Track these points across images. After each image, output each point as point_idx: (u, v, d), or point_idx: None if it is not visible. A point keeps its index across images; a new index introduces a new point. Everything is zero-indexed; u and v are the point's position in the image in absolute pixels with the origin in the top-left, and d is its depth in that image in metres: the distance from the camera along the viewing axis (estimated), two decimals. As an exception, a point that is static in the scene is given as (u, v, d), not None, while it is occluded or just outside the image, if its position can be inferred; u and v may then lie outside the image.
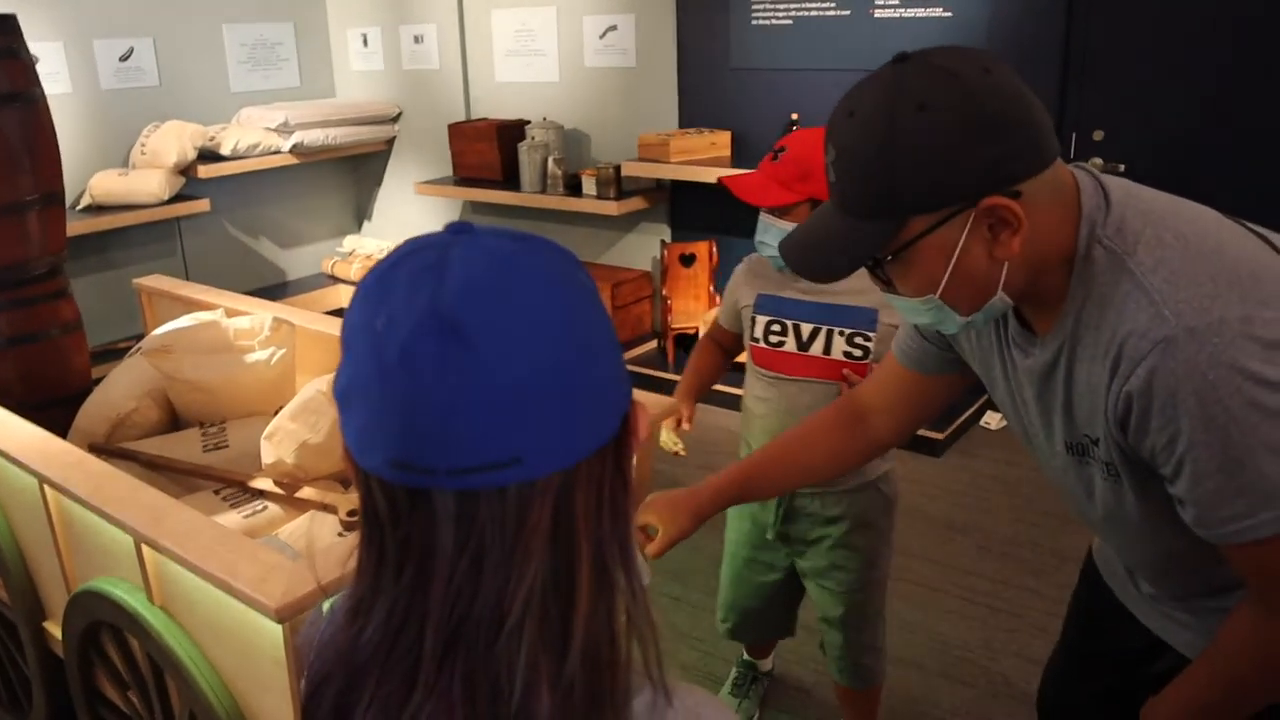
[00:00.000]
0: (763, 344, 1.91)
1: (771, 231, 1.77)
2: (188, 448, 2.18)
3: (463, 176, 5.13)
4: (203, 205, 4.93)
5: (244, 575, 1.40)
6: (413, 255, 0.67)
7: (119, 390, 2.30)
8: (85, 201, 4.65)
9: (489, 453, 0.64)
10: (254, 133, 5.04)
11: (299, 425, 2.00)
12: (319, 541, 1.81)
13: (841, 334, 1.85)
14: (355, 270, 5.66)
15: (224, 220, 5.39)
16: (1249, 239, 1.08)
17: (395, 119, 5.63)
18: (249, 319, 2.35)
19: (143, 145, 4.81)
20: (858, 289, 1.71)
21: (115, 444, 2.22)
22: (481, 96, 5.25)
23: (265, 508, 1.96)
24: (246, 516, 1.92)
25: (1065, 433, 1.18)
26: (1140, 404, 1.03)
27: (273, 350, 2.28)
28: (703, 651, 2.70)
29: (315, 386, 2.06)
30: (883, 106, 1.01)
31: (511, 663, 0.64)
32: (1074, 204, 1.07)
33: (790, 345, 1.89)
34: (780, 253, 1.18)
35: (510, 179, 4.88)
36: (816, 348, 1.86)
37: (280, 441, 1.99)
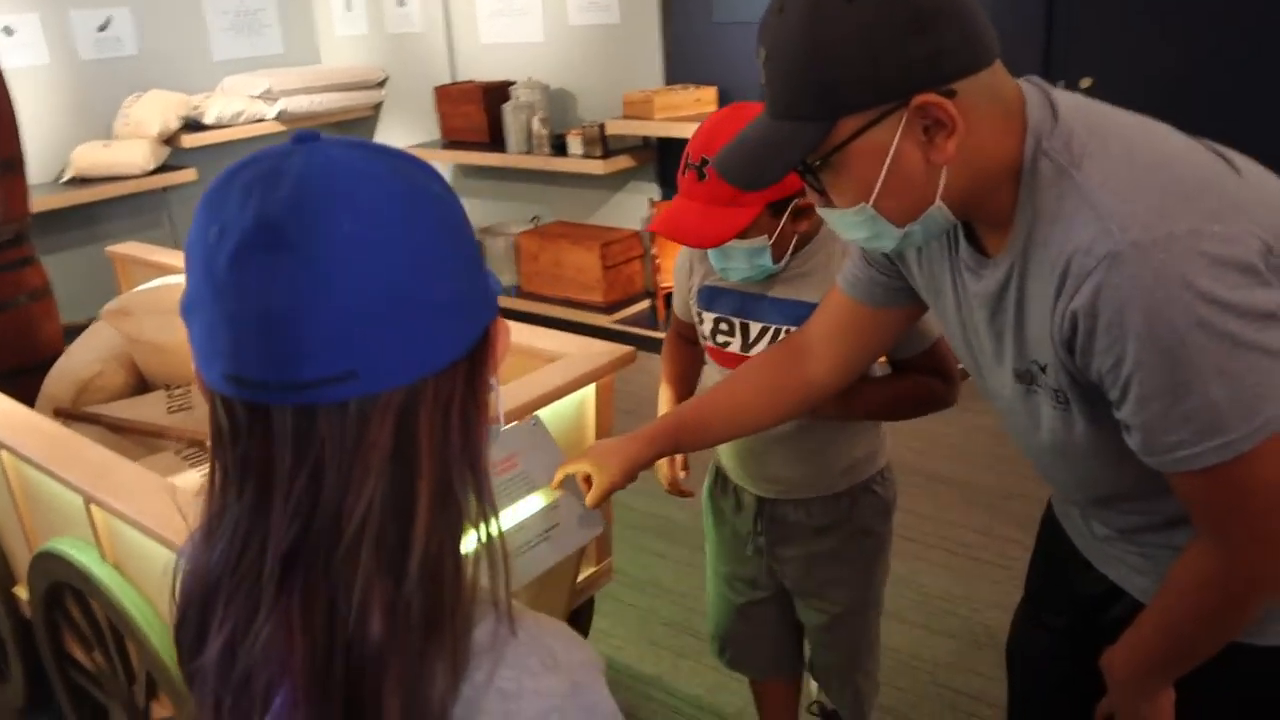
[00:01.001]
0: (710, 343, 1.67)
1: (736, 254, 1.50)
2: (153, 409, 2.16)
3: (450, 140, 5.08)
4: (189, 175, 4.90)
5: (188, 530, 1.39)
6: (250, 165, 0.65)
7: (83, 355, 2.28)
8: (69, 174, 4.62)
9: (320, 367, 0.62)
10: (238, 101, 5.00)
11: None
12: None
13: (789, 332, 1.58)
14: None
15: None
16: (1203, 153, 1.03)
17: (381, 84, 5.57)
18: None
19: (125, 116, 4.78)
20: (806, 274, 1.54)
21: (80, 408, 2.20)
22: (467, 58, 5.18)
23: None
24: (205, 474, 1.91)
25: (1015, 359, 1.14)
26: (1086, 323, 0.99)
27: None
28: (685, 607, 2.69)
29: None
30: (809, 0, 0.97)
31: (348, 583, 0.63)
32: (1019, 115, 1.03)
33: (736, 346, 1.63)
34: (715, 165, 1.11)
35: (497, 141, 4.83)
36: (762, 349, 1.61)
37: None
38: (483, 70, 5.10)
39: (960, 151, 1.00)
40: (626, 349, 1.91)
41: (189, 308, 0.65)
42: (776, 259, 1.51)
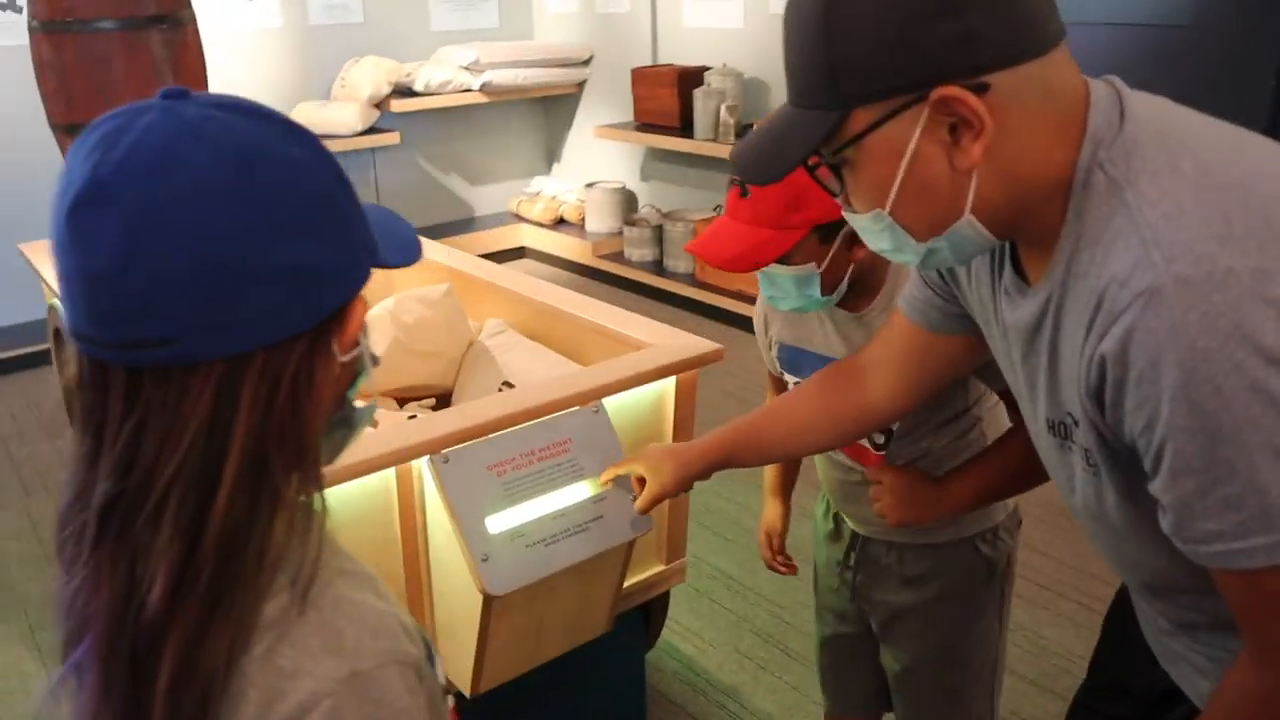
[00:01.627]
0: None
1: (782, 282, 1.36)
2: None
3: (642, 123, 5.10)
4: (393, 138, 5.16)
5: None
6: (106, 121, 0.66)
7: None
8: (290, 130, 4.98)
9: (139, 330, 0.62)
10: (446, 69, 5.21)
11: (364, 341, 2.04)
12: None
13: None
14: (539, 211, 5.78)
15: (417, 154, 5.63)
16: None
17: (587, 62, 5.66)
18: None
19: (342, 79, 5.09)
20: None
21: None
22: (668, 41, 5.18)
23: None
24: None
25: (1048, 408, 0.99)
26: (1115, 373, 0.83)
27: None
28: (780, 620, 2.59)
29: (384, 305, 2.09)
30: None
31: (149, 545, 0.63)
32: (1078, 118, 0.87)
33: None
34: (731, 157, 1.01)
35: (686, 126, 4.81)
36: None
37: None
38: (682, 54, 5.08)
39: (993, 157, 0.85)
40: (715, 346, 1.84)
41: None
42: (828, 290, 1.37)
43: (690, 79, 4.76)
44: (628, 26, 5.35)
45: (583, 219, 5.63)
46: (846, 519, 1.61)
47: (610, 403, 1.74)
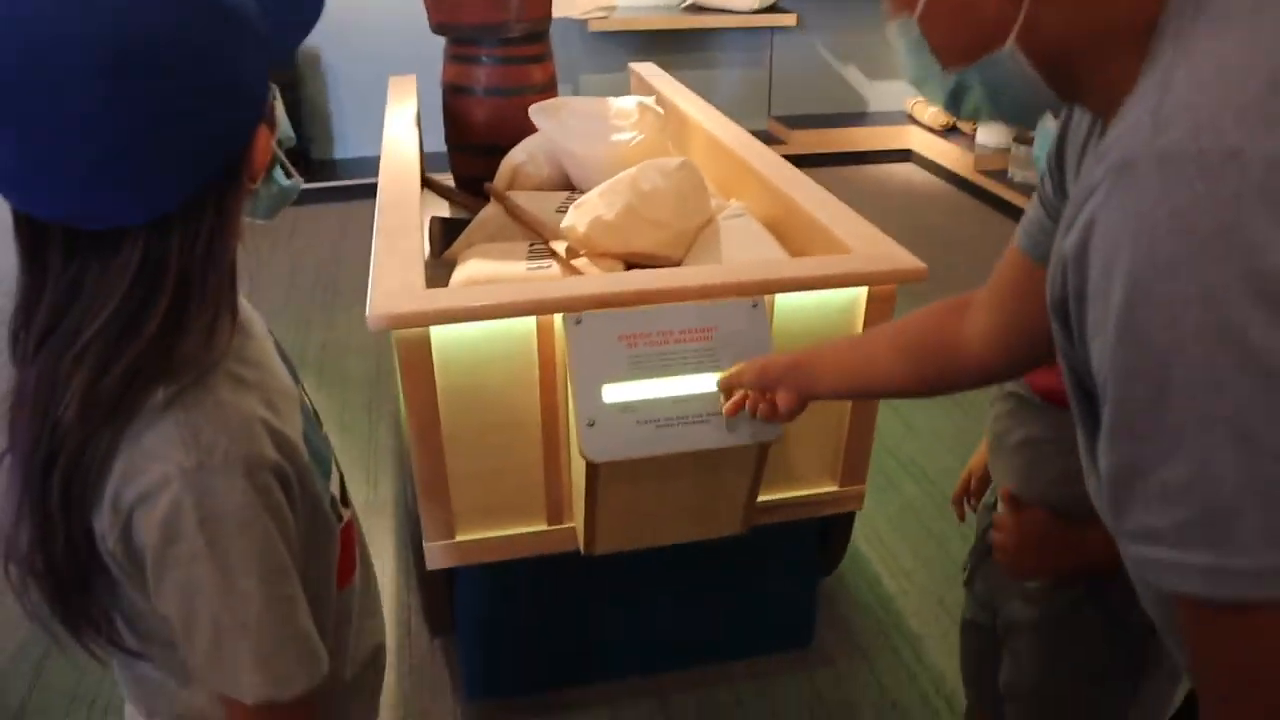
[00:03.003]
0: None
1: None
2: (546, 205, 2.39)
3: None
4: (789, 19, 5.07)
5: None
6: None
7: (521, 145, 2.59)
8: (687, 1, 5.06)
9: (61, 212, 0.69)
10: (857, -47, 4.98)
11: (601, 200, 2.08)
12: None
13: None
14: (931, 114, 5.44)
15: (815, 41, 5.49)
16: None
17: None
18: (633, 101, 2.45)
19: (750, -47, 5.05)
20: None
21: (504, 189, 2.52)
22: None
23: (550, 266, 2.11)
24: (528, 269, 2.09)
25: None
26: (1074, 280, 0.63)
27: (634, 134, 2.36)
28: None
29: (630, 170, 2.11)
30: None
31: (70, 373, 0.71)
32: None
33: None
34: None
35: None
36: None
37: (581, 210, 2.10)
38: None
39: None
40: (918, 265, 1.65)
41: None
42: None
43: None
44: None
45: (975, 128, 5.20)
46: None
47: (790, 303, 1.64)
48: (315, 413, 0.92)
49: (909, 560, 2.45)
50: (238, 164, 0.74)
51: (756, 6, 4.96)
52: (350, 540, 0.92)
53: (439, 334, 1.54)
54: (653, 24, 5.00)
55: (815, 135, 5.44)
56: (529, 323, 1.57)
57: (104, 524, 0.72)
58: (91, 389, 0.70)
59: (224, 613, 0.73)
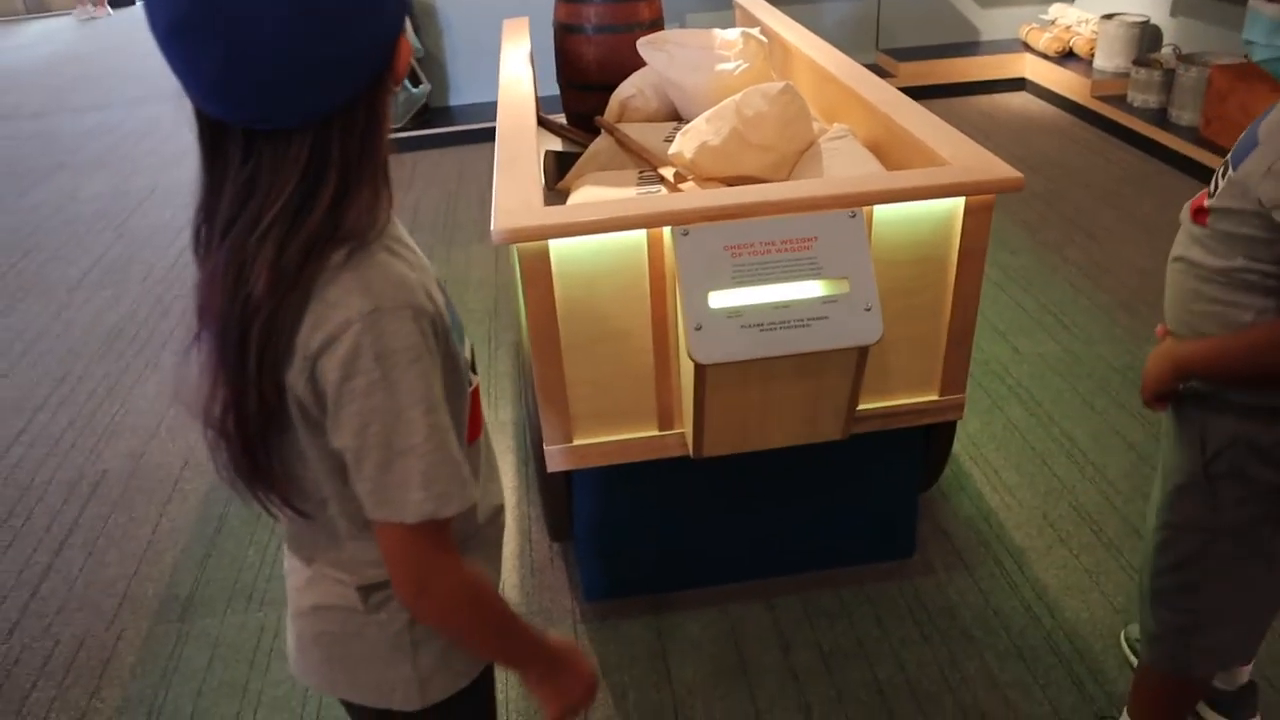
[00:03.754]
0: None
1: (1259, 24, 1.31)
2: (654, 136, 2.49)
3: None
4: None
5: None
6: None
7: (633, 78, 2.68)
8: (793, -66, 5.02)
9: (243, 116, 0.82)
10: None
11: (707, 126, 2.16)
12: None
13: None
14: (1046, 41, 5.29)
15: (924, -31, 5.39)
16: None
17: None
18: (737, 32, 2.51)
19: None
20: None
21: (612, 121, 2.62)
22: None
23: (659, 191, 2.21)
24: (639, 194, 2.20)
25: None
26: None
27: (738, 63, 2.43)
28: (1105, 497, 2.38)
29: (733, 98, 2.18)
30: None
31: (255, 252, 0.84)
32: None
33: None
34: None
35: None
36: None
37: (688, 137, 2.19)
38: None
39: None
40: (1014, 174, 1.69)
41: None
42: None
43: (1247, -111, 3.95)
44: None
45: (1092, 53, 5.05)
46: None
47: (890, 215, 1.71)
48: (447, 292, 1.06)
49: (1011, 475, 2.50)
50: (386, 69, 0.87)
51: (863, -63, 4.90)
52: (477, 402, 1.06)
53: (557, 247, 1.66)
54: None
55: (925, 67, 5.36)
56: (639, 235, 1.68)
57: (293, 374, 0.86)
58: (277, 262, 0.83)
59: (395, 437, 0.86)
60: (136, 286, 3.96)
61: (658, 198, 1.81)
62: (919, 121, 1.97)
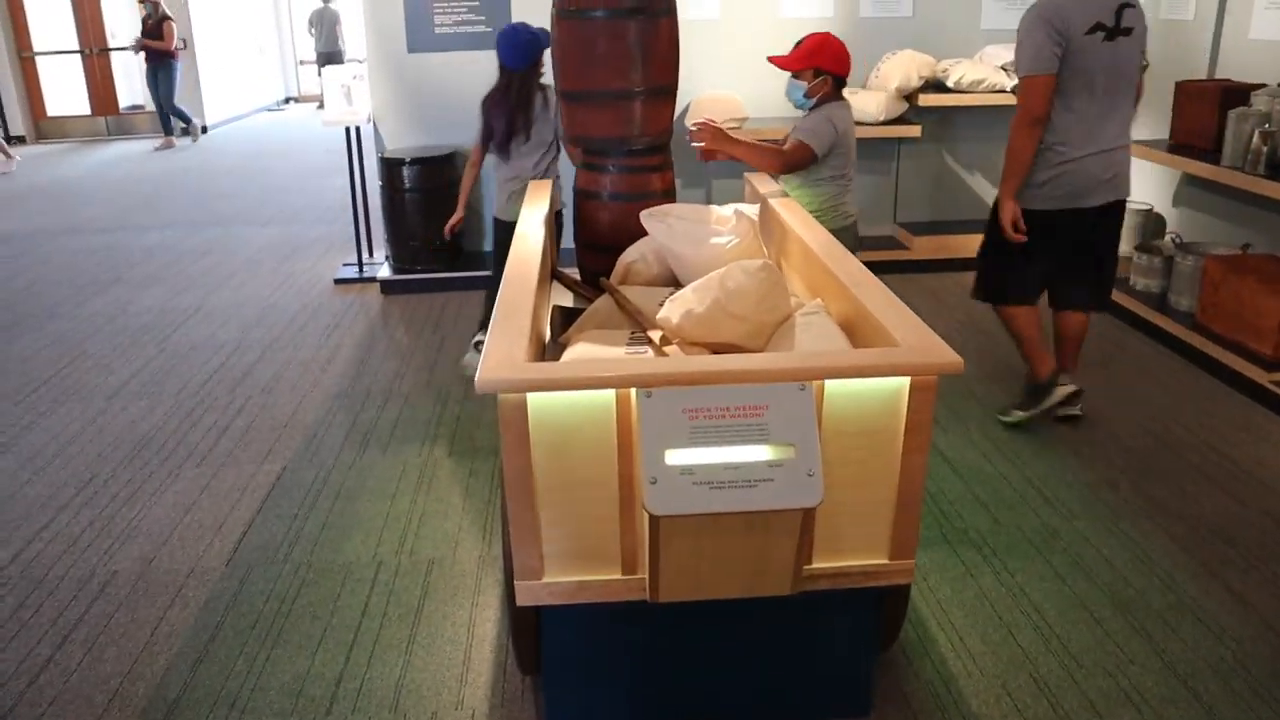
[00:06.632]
0: None
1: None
2: (650, 299, 2.70)
3: (1175, 142, 4.64)
4: (913, 130, 5.31)
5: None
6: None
7: (635, 245, 2.91)
8: (816, 111, 5.38)
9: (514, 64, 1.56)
10: (983, 68, 5.20)
11: (693, 295, 2.37)
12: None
13: None
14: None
15: (941, 149, 5.70)
16: None
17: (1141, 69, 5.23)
18: (730, 209, 2.75)
19: (878, 69, 5.34)
20: None
21: (617, 284, 2.84)
22: (1230, 54, 4.61)
23: (645, 352, 2.40)
24: (626, 353, 2.39)
25: None
26: None
27: (730, 238, 2.65)
28: (1046, 647, 2.44)
29: (719, 271, 2.40)
30: None
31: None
32: None
33: None
34: None
35: (1220, 150, 4.30)
36: None
37: (676, 304, 2.39)
38: (1241, 69, 4.51)
39: None
40: (955, 359, 1.86)
41: None
42: None
43: (1234, 97, 4.23)
44: (1188, 35, 4.85)
45: (1098, 238, 5.27)
46: None
47: (840, 389, 1.88)
48: None
49: (975, 642, 2.57)
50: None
51: (883, 118, 5.23)
52: None
53: (535, 400, 1.84)
54: (781, 134, 5.32)
55: (938, 241, 5.61)
56: (609, 394, 1.86)
57: None
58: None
59: None
60: (170, 399, 4.20)
61: (628, 360, 2.00)
62: (879, 302, 2.16)
